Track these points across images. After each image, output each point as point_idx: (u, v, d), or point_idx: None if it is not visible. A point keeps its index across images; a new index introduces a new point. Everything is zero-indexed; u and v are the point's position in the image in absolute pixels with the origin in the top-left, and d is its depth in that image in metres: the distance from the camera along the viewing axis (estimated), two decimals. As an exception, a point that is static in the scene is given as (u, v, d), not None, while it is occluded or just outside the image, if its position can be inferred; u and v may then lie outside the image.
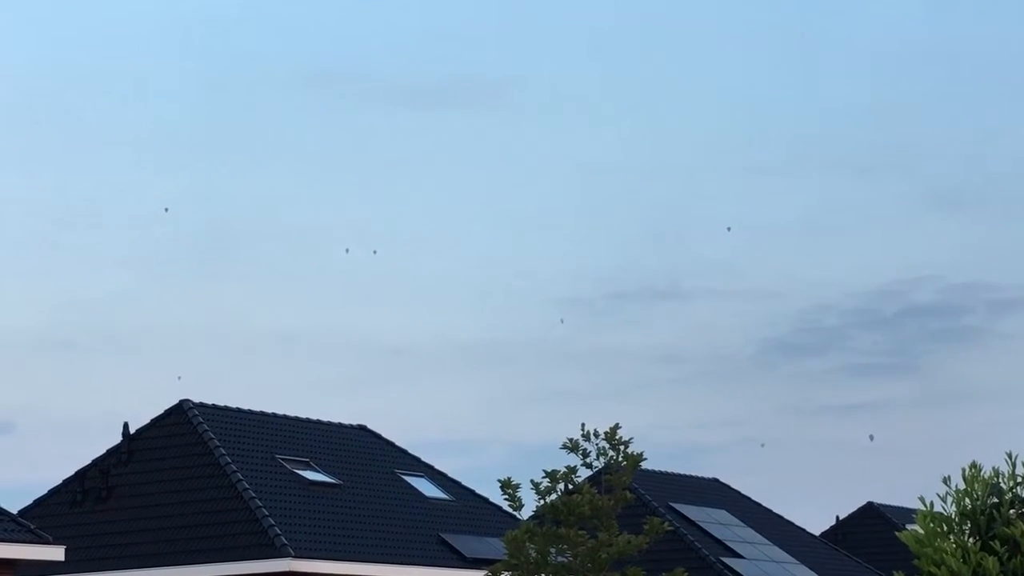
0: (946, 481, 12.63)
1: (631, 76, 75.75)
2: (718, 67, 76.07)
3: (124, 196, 68.02)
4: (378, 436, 38.38)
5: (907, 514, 51.68)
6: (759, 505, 47.89)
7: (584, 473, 24.64)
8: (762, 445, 54.08)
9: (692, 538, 41.29)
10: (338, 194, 71.00)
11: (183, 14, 71.05)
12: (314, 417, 37.48)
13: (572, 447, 24.08)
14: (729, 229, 55.70)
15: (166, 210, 51.03)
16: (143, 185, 67.49)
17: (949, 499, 12.53)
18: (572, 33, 74.71)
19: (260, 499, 31.74)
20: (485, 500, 37.49)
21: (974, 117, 78.03)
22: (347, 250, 49.86)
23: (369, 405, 74.86)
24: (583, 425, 24.20)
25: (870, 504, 55.86)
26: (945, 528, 12.16)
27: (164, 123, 69.43)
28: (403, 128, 72.21)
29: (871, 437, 54.52)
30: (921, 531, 12.20)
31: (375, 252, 50.14)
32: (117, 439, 34.60)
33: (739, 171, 75.75)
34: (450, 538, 34.68)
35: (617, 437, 24.19)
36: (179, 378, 43.50)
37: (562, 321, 64.41)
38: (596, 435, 24.25)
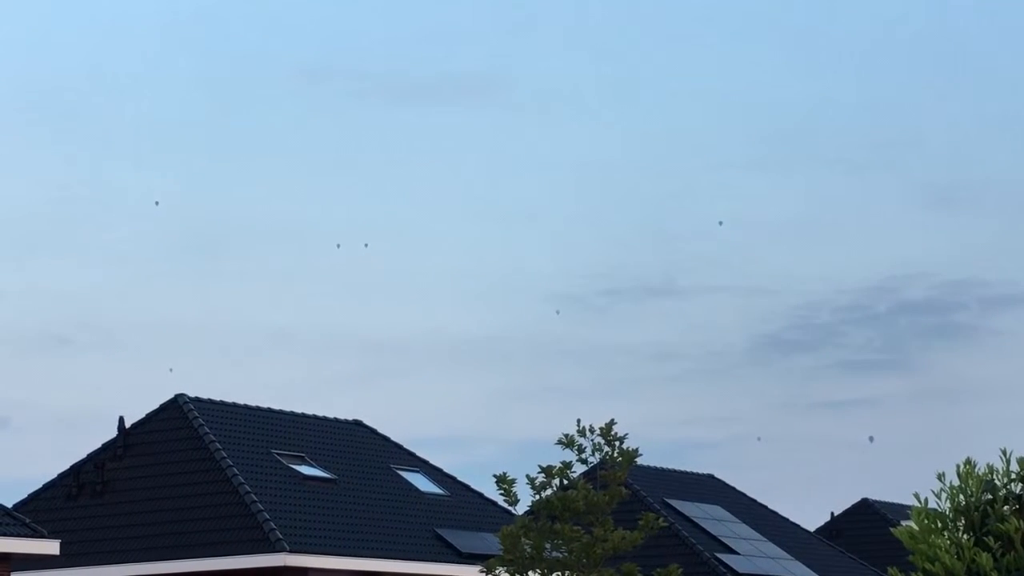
0: (940, 478, 12.64)
1: (624, 72, 75.78)
2: (711, 63, 76.11)
3: (117, 191, 67.99)
4: (374, 431, 38.37)
5: (902, 510, 51.75)
6: (754, 501, 47.92)
7: (579, 469, 24.65)
8: (759, 438, 54.13)
9: (687, 534, 41.32)
10: (331, 189, 71.02)
11: (176, 9, 71.03)
12: (310, 412, 37.50)
13: (568, 443, 24.06)
14: (721, 223, 55.84)
15: (156, 203, 50.92)
16: (136, 180, 67.50)
17: (944, 495, 12.53)
18: (566, 29, 74.72)
19: (255, 494, 31.73)
20: (480, 495, 37.50)
21: (967, 114, 78.12)
22: (338, 245, 49.67)
23: (365, 400, 74.95)
24: (579, 421, 24.21)
25: (865, 500, 55.91)
26: (939, 524, 12.17)
27: (157, 118, 69.42)
28: (396, 124, 72.22)
29: (871, 439, 54.37)
30: (916, 527, 12.21)
31: (366, 245, 50.05)
32: (112, 433, 34.59)
33: (732, 167, 75.81)
34: (445, 533, 34.69)
35: (612, 433, 24.18)
36: (171, 370, 43.38)
37: (558, 312, 64.66)
38: (591, 431, 24.24)
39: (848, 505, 56.10)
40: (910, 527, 12.28)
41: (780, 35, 76.30)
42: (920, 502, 12.46)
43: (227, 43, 71.70)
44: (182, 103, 70.12)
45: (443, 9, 73.51)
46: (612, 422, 24.17)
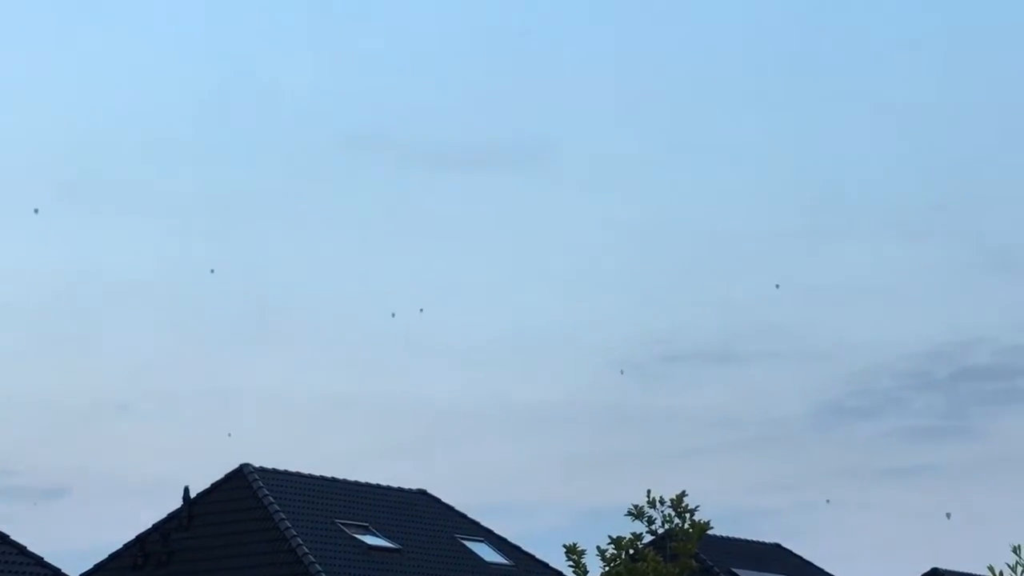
0: (1016, 550, 12.51)
1: (674, 137, 75.73)
2: (764, 128, 75.92)
3: (169, 260, 68.48)
4: (438, 500, 38.27)
5: (973, 580, 50.97)
6: (821, 570, 47.41)
7: (647, 539, 24.45)
8: (827, 500, 53.42)
9: (754, 604, 40.92)
10: (382, 257, 71.17)
11: (220, 78, 71.79)
12: (373, 481, 37.45)
13: (637, 514, 23.89)
14: (777, 286, 55.46)
15: (212, 271, 50.98)
16: (188, 249, 67.95)
17: (1020, 568, 12.40)
18: (615, 96, 74.86)
19: (320, 564, 31.69)
20: (545, 565, 37.27)
21: (1025, 175, 77.40)
22: (393, 314, 49.27)
23: (426, 468, 74.71)
24: (648, 492, 24.03)
25: (935, 570, 55.13)
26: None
27: (207, 187, 69.98)
28: (445, 191, 72.33)
29: (948, 515, 53.39)
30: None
31: (421, 310, 49.83)
32: (176, 502, 34.66)
33: (788, 233, 75.43)
34: (510, 604, 34.51)
35: (683, 504, 24.00)
36: (229, 434, 43.31)
37: (623, 372, 64.44)
38: (662, 502, 24.08)
39: (918, 574, 55.35)
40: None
41: (833, 101, 76.24)
42: (994, 574, 12.33)
43: (273, 110, 72.26)
44: (231, 172, 70.62)
45: (486, 76, 73.84)
46: (683, 493, 23.99)
